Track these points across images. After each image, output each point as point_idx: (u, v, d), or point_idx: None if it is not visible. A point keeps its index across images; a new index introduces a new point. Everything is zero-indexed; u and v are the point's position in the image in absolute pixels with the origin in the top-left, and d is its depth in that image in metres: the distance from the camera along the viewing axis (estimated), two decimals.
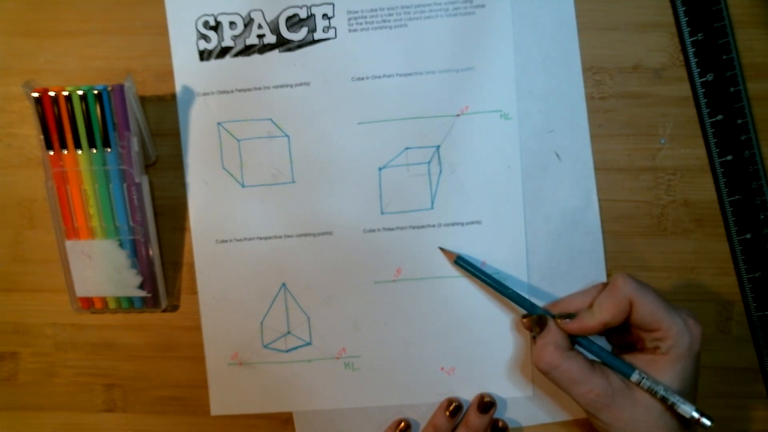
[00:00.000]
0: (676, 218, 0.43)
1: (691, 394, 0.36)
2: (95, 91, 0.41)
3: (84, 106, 0.41)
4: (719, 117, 0.42)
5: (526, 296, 0.41)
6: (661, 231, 0.43)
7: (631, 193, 0.43)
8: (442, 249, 0.43)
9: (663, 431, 0.36)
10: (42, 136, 0.42)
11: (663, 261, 0.44)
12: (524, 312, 0.40)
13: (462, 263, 0.42)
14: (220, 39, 0.43)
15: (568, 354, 0.37)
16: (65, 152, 0.42)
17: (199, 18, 0.43)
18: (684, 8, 0.41)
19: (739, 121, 0.42)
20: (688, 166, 0.43)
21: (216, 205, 0.44)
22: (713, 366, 0.44)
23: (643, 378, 0.35)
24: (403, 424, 0.44)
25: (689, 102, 0.42)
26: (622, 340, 0.39)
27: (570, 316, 0.38)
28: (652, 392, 0.35)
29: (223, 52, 0.43)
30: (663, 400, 0.35)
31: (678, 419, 0.36)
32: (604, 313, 0.36)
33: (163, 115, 0.44)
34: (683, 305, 0.43)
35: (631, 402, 0.36)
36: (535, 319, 0.39)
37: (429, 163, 0.43)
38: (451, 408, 0.43)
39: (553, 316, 0.38)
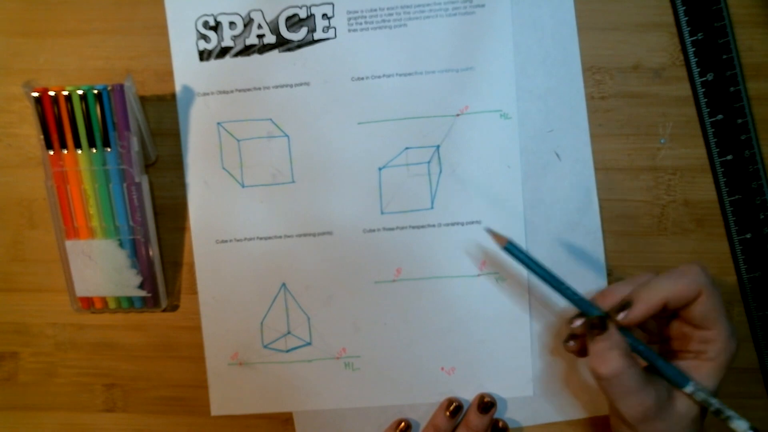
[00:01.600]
0: (676, 218, 0.43)
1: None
2: (95, 91, 0.41)
3: (84, 106, 0.41)
4: (719, 117, 0.42)
5: (580, 293, 0.37)
6: (661, 231, 0.43)
7: (631, 193, 0.43)
8: (490, 231, 0.38)
9: None
10: (42, 136, 0.42)
11: (663, 261, 0.43)
12: (572, 311, 0.37)
13: (512, 249, 0.37)
14: (220, 39, 0.43)
15: (632, 361, 0.34)
16: (65, 152, 0.42)
17: (199, 18, 0.43)
18: (684, 8, 0.41)
19: (739, 121, 0.42)
20: (688, 166, 0.43)
21: (216, 205, 0.44)
22: None
23: (697, 390, 0.34)
24: (403, 424, 0.44)
25: (689, 102, 0.42)
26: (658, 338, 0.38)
27: (626, 306, 0.34)
28: (706, 404, 0.34)
29: (223, 52, 0.43)
30: (717, 413, 0.33)
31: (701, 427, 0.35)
32: (668, 292, 0.33)
33: (163, 115, 0.44)
34: None
35: (670, 414, 0.34)
36: (593, 321, 0.35)
37: (429, 162, 0.43)
38: (452, 408, 0.43)
39: (608, 315, 0.35)
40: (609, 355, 0.34)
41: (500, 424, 0.43)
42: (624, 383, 0.33)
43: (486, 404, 0.43)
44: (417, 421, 0.45)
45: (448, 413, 0.43)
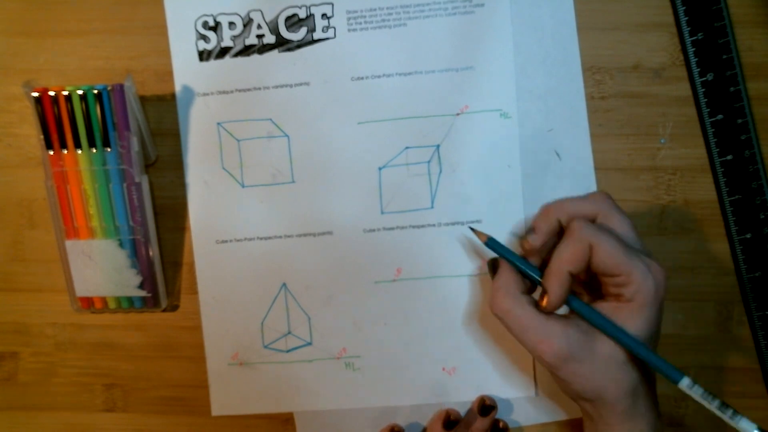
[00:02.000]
0: (676, 218, 0.43)
1: (654, 344, 0.34)
2: (95, 91, 0.41)
3: (84, 106, 0.41)
4: (719, 117, 0.42)
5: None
6: (661, 231, 0.43)
7: (631, 193, 0.43)
8: (472, 229, 0.39)
9: (624, 384, 0.33)
10: (42, 136, 0.42)
11: (663, 261, 0.43)
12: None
13: (493, 245, 0.37)
14: (220, 39, 0.43)
15: (519, 298, 0.34)
16: (65, 152, 0.42)
17: (199, 18, 0.43)
18: (684, 8, 0.41)
19: (739, 121, 0.42)
20: (688, 166, 0.43)
21: (216, 206, 0.44)
22: (713, 366, 0.44)
23: (695, 385, 0.32)
24: (396, 428, 0.44)
25: (689, 102, 0.42)
26: (588, 286, 0.37)
27: (531, 231, 0.35)
28: (706, 402, 0.32)
29: (223, 52, 0.43)
30: (721, 409, 0.32)
31: (641, 370, 0.34)
32: (565, 263, 0.33)
33: (163, 115, 0.44)
34: (683, 305, 0.43)
35: (590, 355, 0.33)
36: (490, 262, 0.37)
37: (429, 162, 0.43)
38: (449, 421, 0.43)
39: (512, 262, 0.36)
40: (496, 294, 0.35)
41: (501, 424, 0.43)
42: (517, 322, 0.34)
43: (486, 407, 0.43)
44: (419, 423, 0.45)
45: (442, 425, 0.42)
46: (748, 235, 0.42)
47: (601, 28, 0.42)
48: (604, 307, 0.34)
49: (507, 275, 0.36)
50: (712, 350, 0.44)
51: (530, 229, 0.36)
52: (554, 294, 0.34)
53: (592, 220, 0.35)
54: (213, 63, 0.43)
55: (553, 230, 0.35)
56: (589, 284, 0.37)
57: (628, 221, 0.35)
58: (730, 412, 0.31)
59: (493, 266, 0.37)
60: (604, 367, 0.33)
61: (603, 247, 0.33)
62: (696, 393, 0.32)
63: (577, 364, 0.33)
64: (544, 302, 0.34)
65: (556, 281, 0.34)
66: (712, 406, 0.32)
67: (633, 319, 0.33)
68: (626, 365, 0.33)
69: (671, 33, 0.42)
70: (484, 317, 0.44)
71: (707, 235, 0.43)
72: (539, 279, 0.35)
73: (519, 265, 0.36)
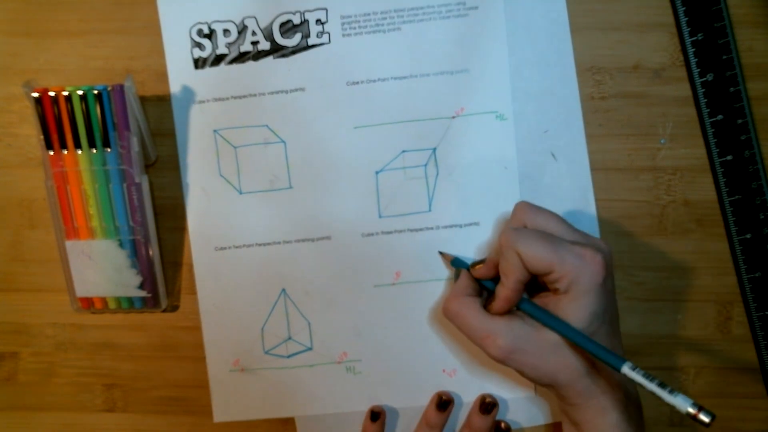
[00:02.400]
0: (676, 218, 0.43)
1: (605, 329, 0.35)
2: (95, 91, 0.41)
3: (84, 106, 0.41)
4: (719, 117, 0.42)
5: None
6: (661, 231, 0.43)
7: (631, 193, 0.43)
8: (440, 252, 0.43)
9: (573, 366, 0.35)
10: (42, 136, 0.42)
11: (663, 261, 0.43)
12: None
13: (456, 264, 0.42)
14: (215, 47, 0.43)
15: (466, 300, 0.37)
16: (65, 152, 0.42)
17: (193, 26, 0.43)
18: (684, 8, 0.41)
19: (739, 121, 0.42)
20: (688, 166, 0.43)
21: (214, 213, 0.44)
22: (713, 366, 0.44)
23: (635, 368, 0.33)
24: (376, 408, 0.44)
25: (689, 102, 0.42)
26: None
27: (480, 262, 0.39)
28: (647, 382, 0.32)
29: (218, 59, 0.43)
30: (661, 386, 0.32)
31: (588, 360, 0.35)
32: (510, 275, 0.35)
33: (163, 115, 0.44)
34: (683, 305, 0.43)
35: (535, 345, 0.35)
36: (455, 273, 0.40)
37: (426, 165, 0.43)
38: (441, 401, 0.43)
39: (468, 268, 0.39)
40: (447, 299, 0.38)
41: (503, 425, 0.43)
42: (464, 321, 0.37)
43: (488, 405, 0.43)
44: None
45: (437, 407, 0.43)
46: (748, 236, 0.42)
47: (600, 28, 0.42)
48: (548, 300, 0.36)
49: (462, 282, 0.39)
50: (712, 350, 0.44)
51: (480, 262, 0.39)
52: (503, 302, 0.36)
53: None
54: (208, 70, 0.43)
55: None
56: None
57: (554, 216, 0.37)
58: (668, 389, 0.32)
59: (456, 276, 0.40)
60: (551, 354, 0.35)
61: (525, 250, 0.34)
62: (638, 375, 0.32)
63: (522, 355, 0.35)
64: (493, 308, 0.37)
65: (510, 292, 0.36)
66: (652, 385, 0.32)
67: (573, 309, 0.34)
68: (571, 349, 0.35)
69: (671, 33, 0.42)
70: None
71: (707, 235, 0.43)
72: (492, 288, 0.38)
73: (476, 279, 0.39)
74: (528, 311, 0.36)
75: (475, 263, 0.39)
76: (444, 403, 0.43)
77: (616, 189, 0.43)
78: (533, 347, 0.35)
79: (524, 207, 0.37)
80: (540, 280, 0.36)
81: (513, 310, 0.37)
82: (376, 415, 0.44)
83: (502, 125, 0.43)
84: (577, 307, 0.34)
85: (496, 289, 0.37)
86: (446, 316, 0.38)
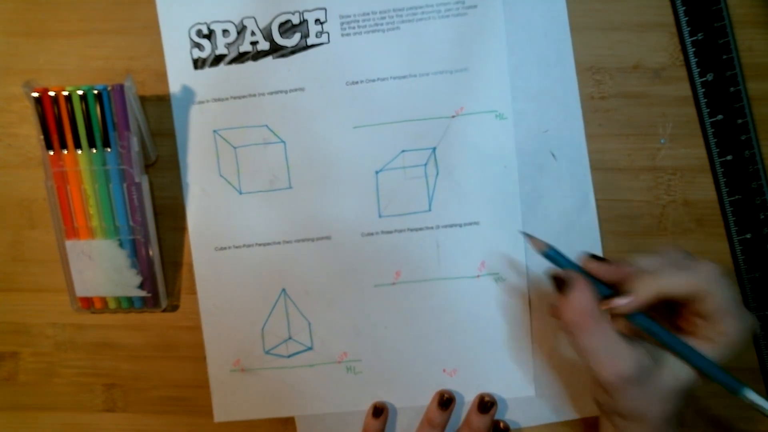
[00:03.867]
0: (676, 218, 0.43)
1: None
2: (95, 91, 0.41)
3: (84, 106, 0.41)
4: (719, 117, 0.42)
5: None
6: (661, 231, 0.43)
7: (631, 193, 0.43)
8: (528, 234, 0.37)
9: (670, 412, 0.33)
10: (42, 136, 0.42)
11: None
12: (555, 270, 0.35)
13: (554, 256, 0.36)
14: (214, 47, 0.43)
15: (595, 312, 0.33)
16: (65, 152, 0.42)
17: (192, 27, 0.43)
18: (684, 8, 0.41)
19: (739, 121, 0.42)
20: (688, 166, 0.43)
21: (214, 213, 0.44)
22: None
23: (755, 397, 0.32)
24: (378, 405, 0.44)
25: (689, 102, 0.42)
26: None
27: (604, 260, 0.34)
28: (760, 411, 0.32)
29: (217, 60, 0.43)
30: None
31: (687, 399, 0.34)
32: (670, 283, 0.32)
33: (163, 115, 0.44)
34: None
35: (652, 382, 0.33)
36: (553, 276, 0.35)
37: (426, 165, 0.43)
38: (443, 400, 0.43)
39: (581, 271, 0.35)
40: (572, 309, 0.33)
41: (501, 425, 0.43)
42: (588, 338, 0.33)
43: (486, 404, 0.43)
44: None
45: (439, 406, 0.43)
46: (748, 235, 0.42)
47: (600, 28, 0.42)
48: (674, 330, 0.34)
49: (583, 289, 0.34)
50: None
51: (623, 293, 0.34)
52: (639, 298, 0.33)
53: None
54: (208, 71, 0.43)
55: (650, 304, 0.34)
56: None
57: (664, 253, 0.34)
58: None
59: (558, 280, 0.34)
60: (660, 395, 0.33)
61: (719, 298, 0.32)
62: (753, 400, 0.32)
63: (636, 389, 0.33)
64: (618, 303, 0.33)
65: (644, 290, 0.33)
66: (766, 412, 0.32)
67: (722, 332, 0.33)
68: (680, 395, 0.33)
69: (671, 33, 0.42)
70: (484, 318, 0.44)
71: (707, 235, 0.43)
72: (611, 292, 0.34)
73: (591, 279, 0.34)
74: (650, 330, 0.33)
75: (593, 256, 0.35)
76: (446, 402, 0.43)
77: (616, 189, 0.43)
78: (649, 384, 0.33)
79: (715, 267, 0.33)
80: (683, 316, 0.34)
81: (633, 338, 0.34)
82: (378, 411, 0.44)
83: (502, 125, 0.43)
84: (712, 357, 0.33)
85: (630, 284, 0.33)
86: (565, 323, 0.34)
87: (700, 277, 0.33)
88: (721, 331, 0.33)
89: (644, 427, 0.34)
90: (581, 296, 0.34)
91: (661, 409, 0.33)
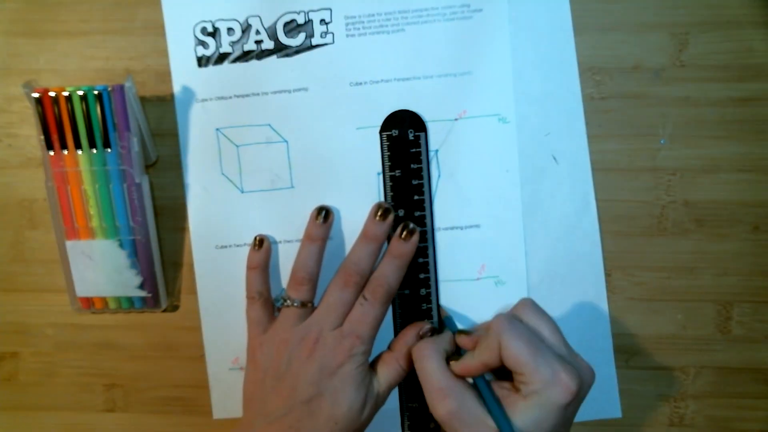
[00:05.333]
0: (676, 218, 0.43)
1: None
2: (95, 92, 0.41)
3: (84, 107, 0.41)
4: None
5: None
6: (661, 231, 0.43)
7: (631, 193, 0.43)
8: (440, 307, 0.44)
9: None
10: (42, 137, 0.42)
11: (663, 261, 0.44)
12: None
13: (448, 323, 0.42)
14: (218, 45, 0.43)
15: (435, 352, 0.38)
16: (65, 152, 0.42)
17: (197, 24, 0.43)
18: None
19: None
20: (688, 166, 0.43)
21: (215, 211, 0.44)
22: (713, 366, 0.44)
23: None
24: (325, 211, 0.43)
25: (689, 102, 0.42)
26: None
27: (468, 333, 0.39)
28: None
29: (221, 58, 0.43)
30: None
31: None
32: (482, 355, 0.36)
33: (163, 115, 0.44)
34: (683, 305, 0.43)
35: (476, 426, 0.35)
36: (434, 328, 0.42)
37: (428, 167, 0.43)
38: (380, 212, 0.42)
39: (454, 332, 0.40)
40: (424, 342, 0.39)
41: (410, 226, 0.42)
42: (427, 369, 0.37)
43: (385, 211, 0.41)
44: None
45: (377, 218, 0.42)
46: None
47: (600, 28, 0.42)
48: (508, 392, 0.35)
49: (443, 338, 0.39)
50: (712, 350, 0.44)
51: (468, 333, 0.39)
52: (463, 368, 0.37)
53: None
54: (211, 69, 0.43)
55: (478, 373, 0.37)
56: None
57: (551, 324, 0.36)
58: None
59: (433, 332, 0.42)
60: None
61: (507, 344, 0.34)
62: None
63: (461, 427, 0.35)
64: (452, 365, 0.37)
65: (472, 365, 0.36)
66: None
67: (522, 415, 0.34)
68: None
69: (671, 33, 0.42)
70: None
71: (707, 235, 0.43)
72: (462, 353, 0.38)
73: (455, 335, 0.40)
74: (479, 388, 0.36)
75: (462, 332, 0.39)
76: (385, 212, 0.42)
77: (616, 189, 0.43)
78: (473, 426, 0.35)
79: (527, 304, 0.37)
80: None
81: (470, 381, 0.37)
82: (260, 242, 0.43)
83: (505, 128, 0.43)
84: (527, 415, 0.33)
85: (466, 353, 0.37)
86: (413, 356, 0.38)
87: (490, 337, 0.35)
88: (523, 380, 0.34)
89: None
90: (439, 338, 0.40)
91: None
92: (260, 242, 0.43)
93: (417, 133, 0.42)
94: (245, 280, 0.43)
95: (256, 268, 0.43)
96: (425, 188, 0.43)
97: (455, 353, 0.39)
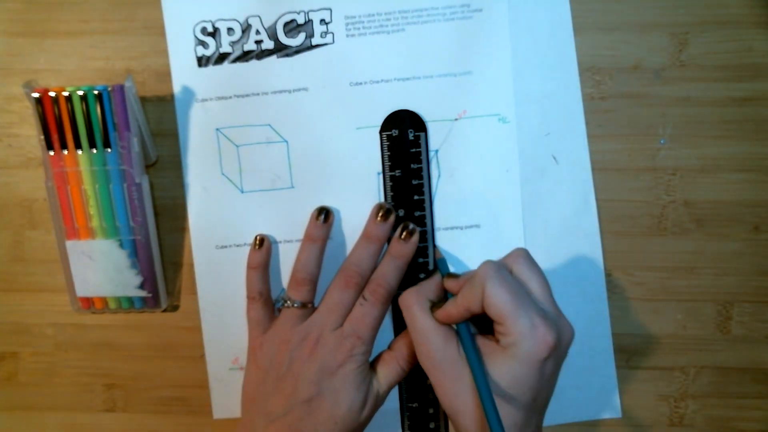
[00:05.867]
0: (676, 218, 0.43)
1: (522, 405, 0.34)
2: (95, 92, 0.41)
3: (84, 107, 0.41)
4: None
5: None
6: (661, 231, 0.43)
7: (631, 193, 0.43)
8: (435, 246, 0.43)
9: (472, 420, 0.35)
10: (42, 137, 0.42)
11: (663, 261, 0.44)
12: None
13: (441, 266, 0.42)
14: (218, 45, 0.43)
15: (421, 299, 0.38)
16: (65, 152, 0.42)
17: (197, 24, 0.43)
18: None
19: None
20: (688, 166, 0.43)
21: (215, 211, 0.44)
22: (713, 366, 0.44)
23: None
24: (325, 211, 0.43)
25: (689, 102, 0.42)
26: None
27: (456, 276, 0.39)
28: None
29: (221, 58, 0.43)
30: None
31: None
32: (465, 299, 0.36)
33: (163, 115, 0.44)
34: (683, 305, 0.43)
35: (457, 374, 0.35)
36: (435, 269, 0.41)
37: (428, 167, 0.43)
38: (381, 213, 0.42)
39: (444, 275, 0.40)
40: (408, 291, 0.39)
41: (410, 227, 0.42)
42: (412, 317, 0.37)
43: (386, 210, 0.41)
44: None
45: (379, 219, 0.42)
46: None
47: (600, 28, 0.42)
48: (488, 343, 0.36)
49: (429, 283, 0.39)
50: (712, 350, 0.44)
51: (456, 277, 0.39)
52: (444, 315, 0.37)
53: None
54: (211, 69, 0.43)
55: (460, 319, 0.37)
56: None
57: (541, 279, 0.36)
58: None
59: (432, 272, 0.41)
60: (462, 392, 0.35)
61: (490, 291, 0.34)
62: None
63: (441, 374, 0.36)
64: (435, 312, 0.38)
65: (454, 311, 0.36)
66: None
67: (497, 365, 0.34)
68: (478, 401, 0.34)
69: (671, 33, 0.42)
70: None
71: (707, 235, 0.43)
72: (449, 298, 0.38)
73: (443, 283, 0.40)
74: (460, 336, 0.36)
75: (451, 275, 0.39)
76: (387, 213, 0.42)
77: (616, 189, 0.43)
78: (453, 374, 0.35)
79: (521, 254, 0.37)
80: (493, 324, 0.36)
81: (453, 328, 0.37)
82: (260, 242, 0.43)
83: (505, 128, 0.43)
84: (504, 368, 0.34)
85: (449, 299, 0.38)
86: (400, 305, 0.39)
87: (475, 281, 0.35)
88: (505, 331, 0.34)
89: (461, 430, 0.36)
90: (426, 283, 0.40)
91: (467, 409, 0.35)
92: (261, 242, 0.43)
93: (417, 133, 0.42)
94: (245, 280, 0.43)
95: (256, 267, 0.43)
96: (425, 188, 0.43)
97: (444, 300, 0.39)
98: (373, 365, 0.42)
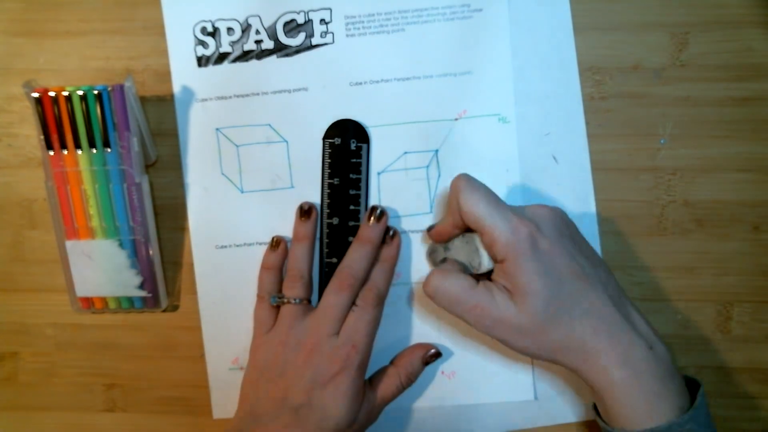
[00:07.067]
0: (676, 218, 0.43)
1: (559, 282, 0.34)
2: (95, 92, 0.41)
3: (84, 107, 0.41)
4: None
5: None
6: (661, 231, 0.43)
7: (631, 193, 0.43)
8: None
9: (552, 350, 0.35)
10: (42, 137, 0.42)
11: (663, 261, 0.44)
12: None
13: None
14: (218, 45, 0.43)
15: (450, 274, 0.37)
16: (65, 152, 0.42)
17: (197, 24, 0.43)
18: None
19: None
20: (688, 166, 0.43)
21: (215, 211, 0.44)
22: (713, 366, 0.44)
23: None
24: (307, 208, 0.43)
25: (689, 102, 0.42)
26: None
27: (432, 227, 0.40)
28: None
29: (221, 58, 0.43)
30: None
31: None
32: (449, 216, 0.37)
33: (163, 115, 0.44)
34: (683, 305, 0.43)
35: (511, 320, 0.35)
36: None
37: (428, 167, 0.43)
38: (374, 215, 0.41)
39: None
40: (430, 276, 0.37)
41: (391, 232, 0.42)
42: (446, 295, 0.36)
43: (380, 213, 0.42)
44: (419, 427, 0.45)
45: (371, 221, 0.42)
46: None
47: (600, 28, 0.42)
48: (498, 273, 0.36)
49: (448, 265, 0.39)
50: (712, 350, 0.44)
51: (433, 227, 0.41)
52: (436, 233, 0.40)
53: None
54: (211, 68, 0.43)
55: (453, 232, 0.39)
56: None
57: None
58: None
59: (435, 255, 0.42)
60: (518, 332, 0.35)
61: (464, 200, 0.35)
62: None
63: (503, 327, 0.35)
64: (431, 235, 0.40)
65: (443, 229, 0.39)
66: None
67: (514, 276, 0.34)
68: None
69: (671, 33, 0.42)
70: None
71: (707, 235, 0.43)
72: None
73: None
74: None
75: (432, 227, 0.40)
76: (380, 215, 0.42)
77: (616, 189, 0.43)
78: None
79: (458, 178, 0.37)
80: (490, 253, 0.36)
81: (490, 280, 0.37)
82: (307, 212, 0.43)
83: (505, 128, 0.43)
84: (518, 272, 0.34)
85: (440, 220, 0.39)
86: (428, 293, 0.37)
87: (451, 196, 0.37)
88: (489, 241, 0.35)
89: (558, 360, 0.35)
90: (441, 266, 0.39)
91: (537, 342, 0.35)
92: (277, 243, 0.43)
93: (360, 144, 0.42)
94: (258, 279, 0.43)
95: (271, 268, 0.43)
96: (362, 198, 0.43)
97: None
98: (371, 379, 0.42)
